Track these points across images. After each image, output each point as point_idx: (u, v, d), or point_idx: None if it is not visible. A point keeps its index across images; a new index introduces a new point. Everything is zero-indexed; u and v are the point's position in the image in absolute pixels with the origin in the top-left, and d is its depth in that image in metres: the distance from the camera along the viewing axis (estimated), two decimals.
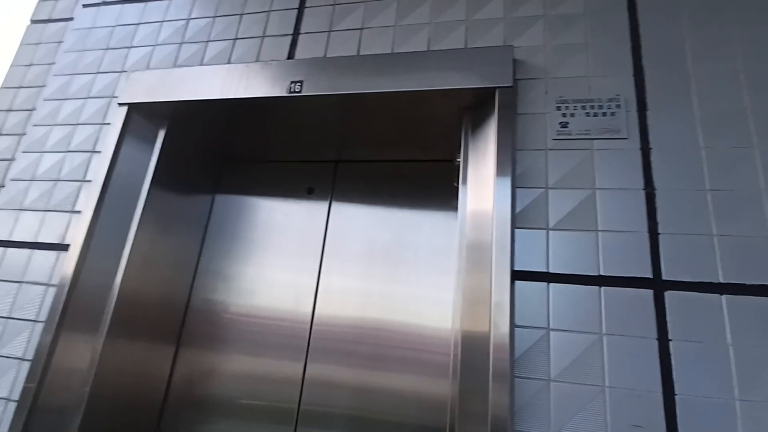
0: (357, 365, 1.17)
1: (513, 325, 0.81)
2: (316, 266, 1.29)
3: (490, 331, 0.80)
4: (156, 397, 1.26)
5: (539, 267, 0.84)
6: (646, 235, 0.81)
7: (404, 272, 1.21)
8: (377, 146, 1.24)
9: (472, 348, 0.84)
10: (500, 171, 0.89)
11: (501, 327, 0.79)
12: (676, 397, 0.72)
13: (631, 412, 0.73)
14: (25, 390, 0.99)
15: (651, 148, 0.86)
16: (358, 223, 1.30)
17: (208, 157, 1.41)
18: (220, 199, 1.44)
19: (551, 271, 0.83)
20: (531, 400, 0.77)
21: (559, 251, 0.84)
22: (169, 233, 1.28)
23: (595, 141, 0.89)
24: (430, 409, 1.10)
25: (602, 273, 0.81)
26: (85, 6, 1.41)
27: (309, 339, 1.22)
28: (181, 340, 1.32)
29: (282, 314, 1.27)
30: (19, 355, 1.05)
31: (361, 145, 1.26)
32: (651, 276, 0.79)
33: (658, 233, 0.81)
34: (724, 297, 0.75)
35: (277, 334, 1.25)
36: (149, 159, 1.21)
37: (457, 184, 1.00)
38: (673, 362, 0.74)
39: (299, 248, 1.31)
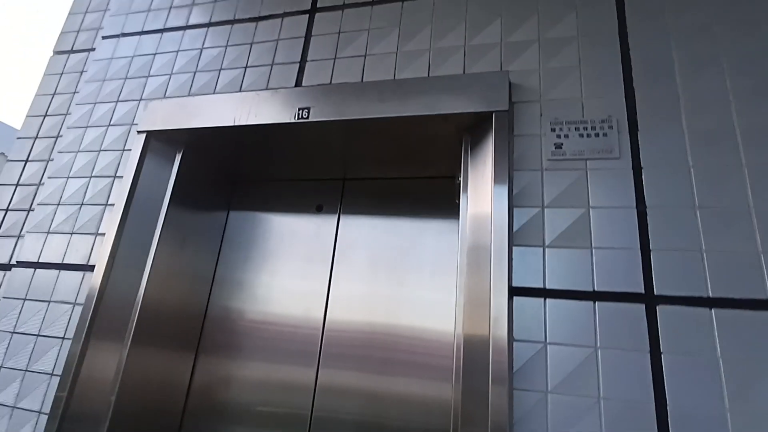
0: (367, 370, 1.22)
1: (511, 340, 0.85)
2: (326, 275, 1.34)
3: (489, 340, 0.84)
4: (177, 404, 1.32)
5: (536, 283, 0.88)
6: (638, 251, 0.85)
7: (409, 279, 1.26)
8: (382, 165, 1.30)
9: (473, 353, 0.88)
10: (497, 191, 0.93)
11: (500, 341, 0.84)
12: (668, 408, 0.75)
13: (625, 423, 0.76)
14: (56, 399, 1.06)
15: (642, 167, 0.90)
16: (366, 235, 1.35)
17: (222, 177, 1.48)
18: (234, 215, 1.51)
19: (548, 287, 0.87)
20: (529, 411, 0.81)
21: (555, 268, 0.88)
22: (187, 248, 1.34)
23: (588, 161, 0.93)
24: (438, 413, 1.13)
25: (596, 288, 0.84)
26: (104, 37, 1.50)
27: (321, 345, 1.27)
28: (199, 348, 1.38)
29: (295, 321, 1.32)
30: (49, 370, 1.12)
31: (366, 164, 1.31)
32: (643, 291, 0.82)
33: (650, 249, 0.84)
34: (713, 311, 0.78)
35: (290, 341, 1.31)
36: (167, 181, 1.28)
37: (459, 201, 1.04)
38: (665, 375, 0.77)
39: (310, 258, 1.37)
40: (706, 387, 0.75)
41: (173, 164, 1.30)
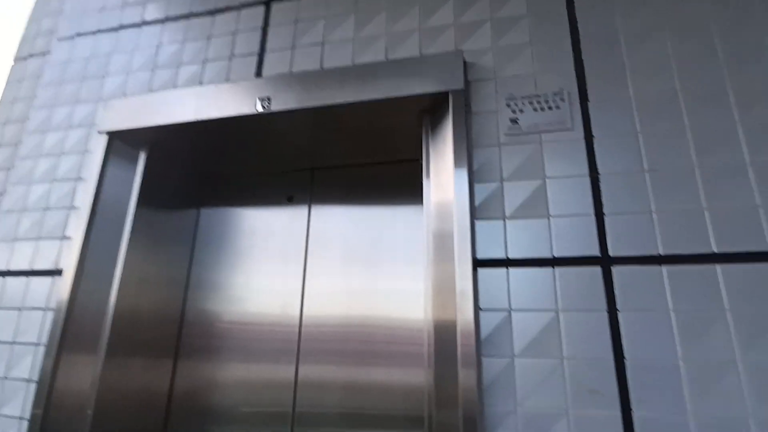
0: (346, 363, 1.23)
1: (477, 310, 0.88)
2: (300, 269, 1.35)
3: (456, 319, 0.87)
4: (158, 411, 1.31)
5: (498, 254, 0.91)
6: (593, 216, 0.88)
7: (383, 268, 1.28)
8: (348, 152, 1.31)
9: (443, 337, 0.91)
10: (458, 168, 0.96)
11: (466, 313, 0.86)
12: (625, 361, 0.79)
13: (588, 379, 0.80)
14: (33, 417, 1.05)
15: (594, 137, 0.93)
16: (337, 225, 1.36)
17: (190, 174, 1.47)
18: (205, 212, 1.50)
19: (510, 257, 0.90)
20: (498, 376, 0.84)
21: (515, 238, 0.91)
22: (159, 250, 1.34)
23: (543, 134, 0.96)
24: (416, 399, 1.16)
25: (555, 255, 0.88)
26: (60, 39, 1.47)
27: (299, 341, 1.29)
28: (178, 353, 1.37)
29: (272, 319, 1.33)
30: (26, 377, 1.11)
31: (333, 152, 1.32)
32: (599, 254, 0.86)
33: (604, 214, 0.88)
34: (664, 268, 0.82)
35: (268, 339, 1.31)
36: (133, 181, 1.27)
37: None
38: (621, 331, 0.81)
39: (284, 253, 1.38)
40: (659, 340, 0.79)
41: (138, 164, 1.29)
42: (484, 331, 0.87)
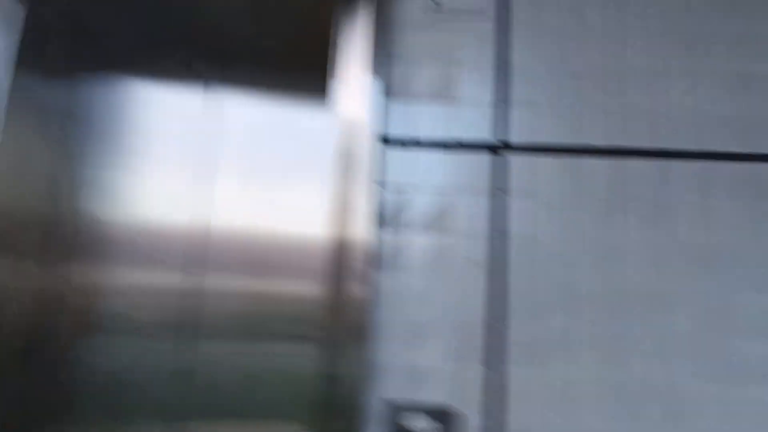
0: (248, 273, 1.20)
1: (376, 186, 0.89)
2: (208, 167, 1.24)
3: (357, 197, 0.88)
4: (38, 321, 1.19)
5: (404, 133, 0.92)
6: (497, 104, 0.92)
7: (292, 177, 1.23)
8: (259, 21, 1.19)
9: (340, 249, 0.92)
10: (375, 48, 0.92)
11: (365, 187, 0.88)
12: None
13: (468, 249, 0.88)
14: None
15: (511, 25, 0.94)
16: (244, 115, 1.26)
17: (70, 31, 1.25)
18: (87, 83, 1.29)
19: (418, 138, 0.92)
20: (391, 252, 0.88)
21: (422, 120, 0.92)
22: (30, 130, 1.13)
23: (463, 17, 0.95)
24: (314, 306, 1.18)
25: (456, 138, 0.91)
26: None
27: (203, 250, 1.21)
28: (62, 258, 1.22)
29: (171, 226, 1.23)
30: None
31: (242, 19, 1.19)
32: (496, 141, 0.91)
33: (507, 102, 0.92)
34: (552, 157, 0.89)
35: (167, 247, 1.22)
36: None
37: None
38: (509, 212, 0.88)
39: (189, 144, 1.25)
40: (539, 219, 0.88)
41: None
42: (384, 209, 0.90)
